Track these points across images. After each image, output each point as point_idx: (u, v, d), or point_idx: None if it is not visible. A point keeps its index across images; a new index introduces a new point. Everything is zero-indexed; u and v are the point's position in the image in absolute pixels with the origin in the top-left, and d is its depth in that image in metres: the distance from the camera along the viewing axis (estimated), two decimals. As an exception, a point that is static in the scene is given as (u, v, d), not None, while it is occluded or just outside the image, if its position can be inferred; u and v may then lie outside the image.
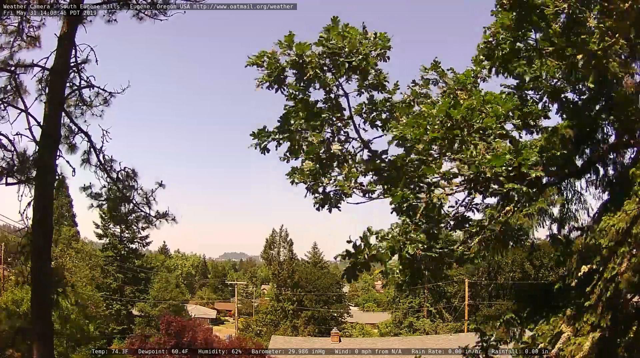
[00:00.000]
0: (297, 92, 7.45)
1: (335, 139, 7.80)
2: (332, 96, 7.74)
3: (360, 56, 7.27)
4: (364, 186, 7.33)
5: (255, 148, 7.55)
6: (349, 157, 7.83)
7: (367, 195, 7.36)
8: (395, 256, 6.39)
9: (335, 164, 7.66)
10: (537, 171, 6.88)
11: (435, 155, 6.79)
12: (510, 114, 6.71)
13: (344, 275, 6.65)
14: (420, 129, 6.51)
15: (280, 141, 7.58)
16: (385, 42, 7.38)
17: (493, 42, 7.66)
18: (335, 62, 7.34)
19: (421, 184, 6.64)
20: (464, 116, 6.54)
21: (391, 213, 6.60)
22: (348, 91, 7.75)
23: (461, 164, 6.52)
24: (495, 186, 6.73)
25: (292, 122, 7.43)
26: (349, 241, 6.44)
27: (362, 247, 6.37)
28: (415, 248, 6.27)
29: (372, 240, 6.49)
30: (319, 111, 7.56)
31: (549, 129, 9.30)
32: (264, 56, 7.28)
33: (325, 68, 7.47)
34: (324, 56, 7.27)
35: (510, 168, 6.54)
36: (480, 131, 6.59)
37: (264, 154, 7.61)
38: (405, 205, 6.36)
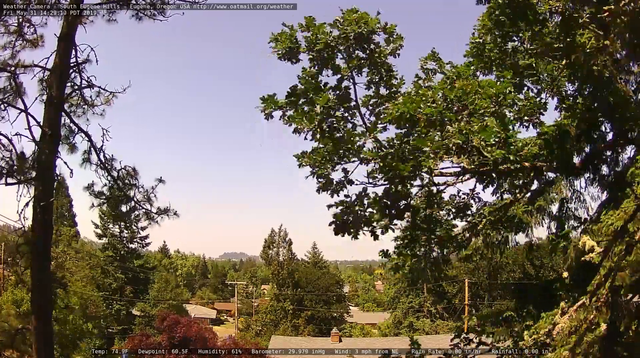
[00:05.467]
0: (309, 78, 7.71)
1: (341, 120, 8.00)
2: (343, 84, 8.00)
3: (373, 44, 7.64)
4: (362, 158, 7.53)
5: (262, 113, 7.79)
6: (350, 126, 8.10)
7: (369, 179, 7.52)
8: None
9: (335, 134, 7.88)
10: (530, 148, 7.17)
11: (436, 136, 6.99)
12: (502, 96, 6.89)
13: (332, 223, 7.36)
14: (414, 104, 6.72)
15: (286, 111, 7.78)
16: (399, 39, 7.77)
17: (481, 41, 7.77)
18: (348, 50, 7.67)
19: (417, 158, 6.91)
20: (457, 96, 6.74)
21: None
22: (357, 82, 8.04)
23: (451, 135, 6.74)
24: (483, 154, 7.00)
25: (299, 94, 7.69)
26: (346, 196, 7.44)
27: (356, 202, 7.25)
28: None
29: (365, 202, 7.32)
30: (326, 89, 7.84)
31: (551, 125, 9.32)
32: (284, 33, 7.68)
33: (339, 54, 7.77)
34: (339, 40, 7.61)
35: (497, 139, 6.80)
36: (472, 111, 6.81)
37: (268, 120, 7.87)
38: (397, 179, 6.77)
